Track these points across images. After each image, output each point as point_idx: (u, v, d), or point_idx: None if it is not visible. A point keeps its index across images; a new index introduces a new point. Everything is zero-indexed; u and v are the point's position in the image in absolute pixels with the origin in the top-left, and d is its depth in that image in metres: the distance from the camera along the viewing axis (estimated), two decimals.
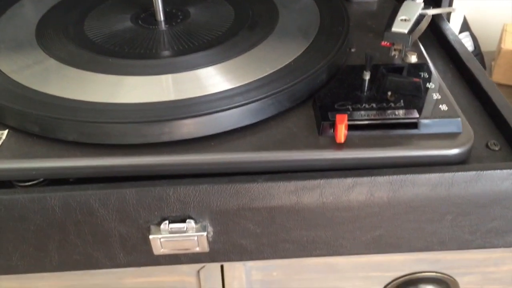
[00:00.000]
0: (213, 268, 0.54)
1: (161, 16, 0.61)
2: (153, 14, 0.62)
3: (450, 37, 0.64)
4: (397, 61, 0.56)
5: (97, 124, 0.44)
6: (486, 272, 0.56)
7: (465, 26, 1.03)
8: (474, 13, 1.02)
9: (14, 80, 0.50)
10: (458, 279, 0.57)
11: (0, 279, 0.53)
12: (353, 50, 0.59)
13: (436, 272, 0.57)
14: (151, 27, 0.61)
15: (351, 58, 0.58)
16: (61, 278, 0.54)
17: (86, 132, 0.45)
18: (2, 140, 0.45)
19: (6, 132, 0.46)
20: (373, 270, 0.56)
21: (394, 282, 0.57)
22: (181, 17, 0.62)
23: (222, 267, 0.55)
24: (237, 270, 0.55)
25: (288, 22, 0.60)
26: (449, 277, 0.57)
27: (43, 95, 0.48)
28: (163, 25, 0.61)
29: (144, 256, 0.48)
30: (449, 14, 0.72)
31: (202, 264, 0.53)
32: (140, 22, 0.61)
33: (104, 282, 0.55)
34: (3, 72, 0.51)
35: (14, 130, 0.47)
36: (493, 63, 1.15)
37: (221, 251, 0.48)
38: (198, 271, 0.55)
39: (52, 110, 0.45)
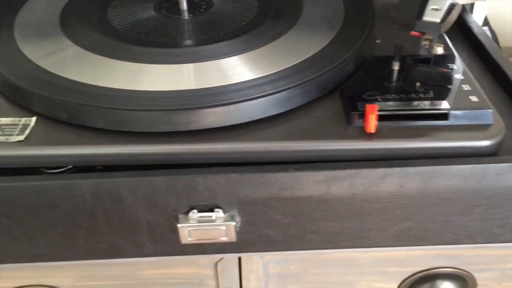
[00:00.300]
0: (231, 260, 0.54)
1: (184, 6, 0.61)
2: (176, 3, 0.62)
3: (475, 29, 0.63)
4: (423, 51, 0.55)
5: (126, 112, 0.44)
6: (505, 268, 0.56)
7: (485, 21, 1.02)
8: (493, 8, 1.00)
9: (40, 67, 0.50)
10: (476, 275, 0.57)
11: (17, 268, 0.52)
12: (378, 41, 0.58)
13: (454, 268, 0.56)
14: (174, 16, 0.60)
15: (376, 49, 0.57)
16: (79, 268, 0.54)
17: (114, 119, 0.44)
18: (30, 127, 0.45)
19: (34, 119, 0.46)
20: (391, 265, 0.56)
21: (412, 278, 0.57)
22: (204, 6, 0.62)
23: (239, 259, 0.54)
24: (254, 263, 0.54)
25: (313, 12, 0.60)
26: (467, 273, 0.56)
27: (71, 82, 0.47)
28: (186, 15, 0.61)
29: (170, 245, 0.48)
30: (472, 6, 0.71)
31: (220, 256, 0.53)
32: (163, 11, 0.61)
33: (121, 273, 0.55)
34: (29, 59, 0.51)
35: (42, 116, 0.47)
36: (511, 58, 1.14)
37: (248, 241, 0.48)
38: (216, 263, 0.54)
39: (81, 97, 0.45)
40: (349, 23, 0.57)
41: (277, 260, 0.55)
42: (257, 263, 0.54)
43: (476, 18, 0.67)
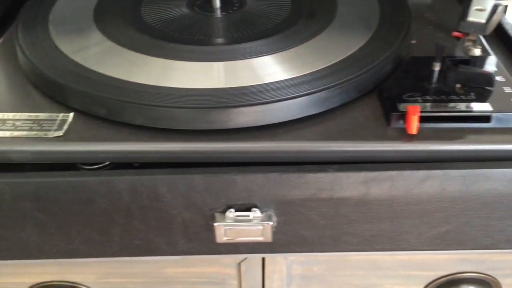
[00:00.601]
0: (254, 260, 0.54)
1: (217, 3, 0.60)
2: (208, 1, 0.61)
3: (510, 31, 0.62)
4: (459, 53, 0.54)
5: (165, 109, 0.44)
6: None
7: None
8: None
9: (77, 62, 0.50)
10: (501, 280, 0.56)
11: (41, 264, 0.52)
12: (413, 41, 0.57)
13: (479, 273, 0.55)
14: (207, 13, 0.60)
15: (412, 49, 0.57)
16: (102, 265, 0.54)
17: (153, 116, 0.44)
18: (68, 123, 0.45)
19: (72, 114, 0.46)
20: (415, 269, 0.55)
21: (436, 282, 0.56)
22: (237, 5, 0.61)
23: (263, 259, 0.54)
24: (278, 264, 0.54)
25: (348, 11, 0.59)
26: (492, 278, 0.55)
27: (108, 78, 0.47)
28: (219, 12, 0.60)
29: (205, 244, 0.47)
30: (506, 8, 0.70)
31: (244, 256, 0.52)
32: (196, 8, 0.61)
33: (144, 270, 0.55)
34: (65, 54, 0.51)
35: (79, 112, 0.47)
36: None
37: (283, 242, 0.47)
38: (239, 263, 0.54)
39: (120, 93, 0.45)
40: (386, 23, 0.57)
41: (300, 261, 0.54)
42: (281, 264, 0.54)
43: (510, 20, 0.66)
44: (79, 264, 0.53)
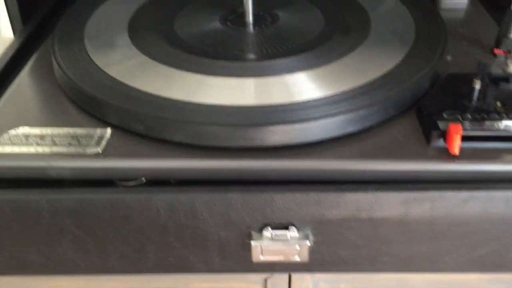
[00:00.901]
0: (281, 277, 0.53)
1: (250, 19, 0.60)
2: (241, 15, 0.61)
3: None
4: (496, 69, 0.53)
5: (205, 126, 0.43)
6: None
7: None
8: None
9: (113, 77, 0.50)
10: None
11: (65, 278, 0.52)
12: (449, 58, 0.56)
13: None
14: (240, 28, 0.60)
15: (448, 66, 0.56)
16: (127, 278, 0.53)
17: (193, 133, 0.44)
18: (106, 139, 0.45)
19: (109, 130, 0.46)
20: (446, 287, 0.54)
21: None
22: (269, 20, 0.61)
23: (289, 276, 0.53)
24: (305, 281, 0.53)
25: (382, 27, 0.58)
26: None
27: (145, 94, 0.47)
28: (251, 28, 0.60)
29: (240, 262, 0.47)
30: None
31: (271, 273, 0.52)
32: (229, 23, 0.60)
33: (170, 285, 0.54)
34: (102, 69, 0.51)
35: (116, 127, 0.47)
36: None
37: (319, 261, 0.47)
38: (266, 280, 0.53)
39: (159, 110, 0.45)
40: (422, 38, 0.56)
41: (327, 279, 0.53)
42: (307, 281, 0.53)
43: None
44: (103, 279, 0.53)
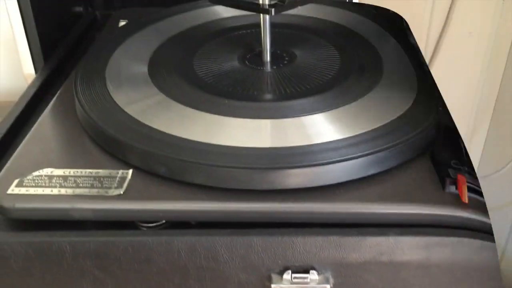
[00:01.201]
0: None
1: (268, 57, 0.61)
2: (258, 54, 0.62)
3: None
4: None
5: (227, 169, 0.44)
6: None
7: None
8: None
9: (135, 118, 0.50)
10: None
11: None
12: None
13: None
14: (258, 67, 0.60)
15: None
16: None
17: (215, 176, 0.44)
18: (128, 180, 0.45)
19: (130, 171, 0.46)
20: None
21: None
22: (287, 58, 0.62)
23: None
24: None
25: (394, 69, 0.59)
26: None
27: (168, 136, 0.48)
28: (269, 66, 0.61)
29: None
30: None
31: None
32: (247, 62, 0.61)
33: None
34: (123, 110, 0.52)
35: (137, 169, 0.47)
36: None
37: None
38: None
39: (181, 152, 0.45)
40: (428, 80, 0.57)
41: None
42: None
43: None
44: None
